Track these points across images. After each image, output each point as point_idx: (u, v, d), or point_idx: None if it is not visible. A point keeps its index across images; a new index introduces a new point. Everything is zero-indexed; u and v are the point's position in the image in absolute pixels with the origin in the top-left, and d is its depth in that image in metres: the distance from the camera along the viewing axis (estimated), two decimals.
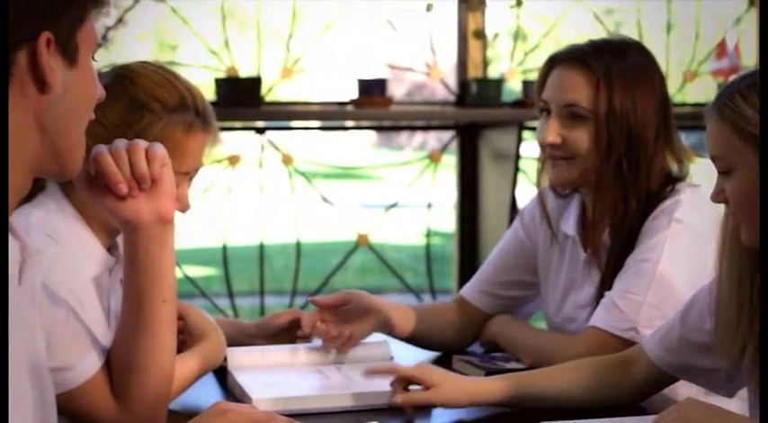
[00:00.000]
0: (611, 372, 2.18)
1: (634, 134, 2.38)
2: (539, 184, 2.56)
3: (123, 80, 2.19)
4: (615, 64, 2.39)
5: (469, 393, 2.15)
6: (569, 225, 2.53)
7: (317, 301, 2.56)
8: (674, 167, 2.44)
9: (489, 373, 2.35)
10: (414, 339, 2.64)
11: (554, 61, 2.46)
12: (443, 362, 2.54)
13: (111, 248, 2.28)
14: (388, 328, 2.59)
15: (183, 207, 2.26)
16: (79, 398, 1.96)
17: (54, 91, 1.47)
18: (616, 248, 2.40)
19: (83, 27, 1.52)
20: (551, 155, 2.44)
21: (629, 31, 5.14)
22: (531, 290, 2.65)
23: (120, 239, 2.34)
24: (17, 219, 1.63)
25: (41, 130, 1.49)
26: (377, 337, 2.55)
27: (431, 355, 2.63)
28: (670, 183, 2.42)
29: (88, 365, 1.98)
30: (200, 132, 2.22)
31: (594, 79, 2.38)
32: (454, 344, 2.65)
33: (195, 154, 2.23)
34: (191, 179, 2.28)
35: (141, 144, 1.82)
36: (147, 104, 2.17)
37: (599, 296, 2.40)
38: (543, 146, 2.44)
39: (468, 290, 2.69)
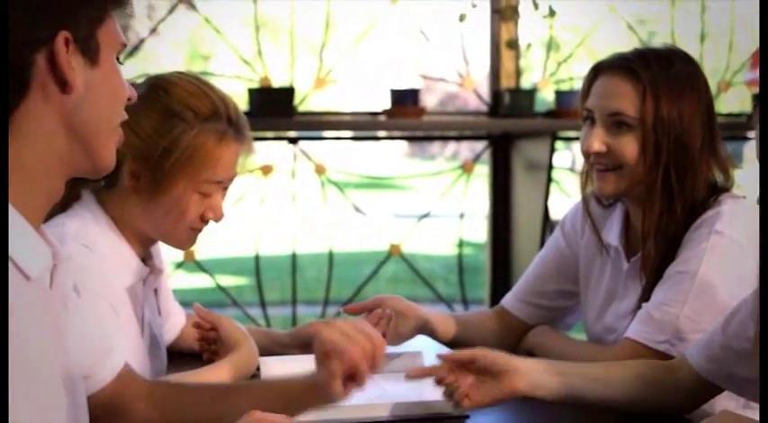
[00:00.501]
0: (656, 373, 2.17)
1: (681, 143, 2.36)
2: (583, 192, 2.54)
3: (158, 90, 2.19)
4: (661, 72, 2.37)
5: (533, 383, 2.10)
6: (612, 235, 2.52)
7: (349, 310, 2.57)
8: (719, 177, 2.42)
9: None
10: (456, 345, 2.63)
11: (599, 69, 2.43)
12: None
13: (145, 258, 2.29)
14: (430, 331, 2.59)
15: (217, 217, 2.26)
16: (102, 404, 1.95)
17: (76, 90, 1.46)
18: (657, 258, 2.38)
19: (103, 26, 1.51)
20: (597, 164, 2.42)
21: (663, 41, 5.13)
22: (571, 299, 2.64)
23: (154, 249, 2.35)
24: (52, 228, 1.63)
25: (69, 131, 1.48)
26: (411, 347, 2.54)
27: None
28: (714, 193, 2.40)
29: (111, 369, 1.97)
30: (233, 142, 2.23)
31: (641, 87, 2.36)
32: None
33: (228, 163, 2.23)
34: (225, 189, 2.29)
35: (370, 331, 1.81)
36: (179, 113, 2.18)
37: (639, 306, 2.39)
38: (588, 154, 2.42)
39: (509, 299, 2.69)
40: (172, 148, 2.17)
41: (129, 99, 1.57)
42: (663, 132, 2.35)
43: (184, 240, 2.28)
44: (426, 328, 2.59)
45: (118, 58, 1.56)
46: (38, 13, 1.43)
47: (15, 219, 1.44)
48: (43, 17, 1.44)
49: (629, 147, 2.37)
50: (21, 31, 1.42)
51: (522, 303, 2.65)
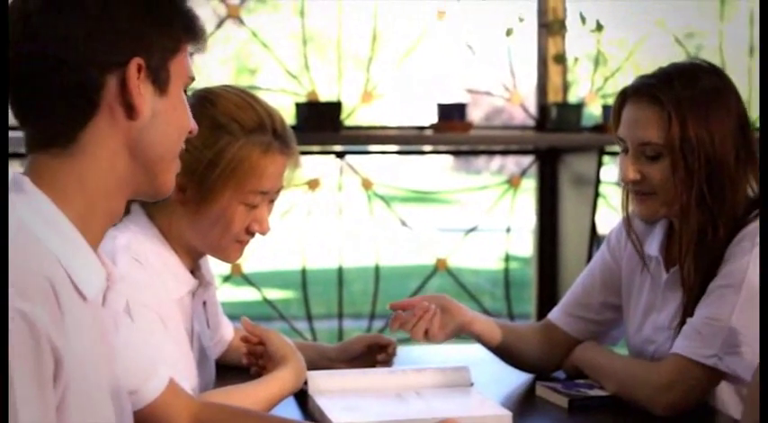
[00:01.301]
0: None
1: (714, 161, 2.34)
2: (625, 210, 2.54)
3: (205, 102, 2.21)
4: (685, 91, 2.35)
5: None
6: (653, 246, 2.51)
7: (395, 306, 2.57)
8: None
9: (572, 399, 2.34)
10: (502, 353, 2.63)
11: (625, 96, 2.44)
12: (527, 387, 2.54)
13: (193, 271, 2.30)
14: (475, 332, 2.59)
15: (263, 229, 2.27)
16: (146, 420, 1.96)
17: (142, 117, 1.49)
18: (700, 274, 2.37)
19: (176, 58, 1.54)
20: (634, 190, 2.43)
21: (711, 55, 5.10)
22: (617, 313, 2.63)
23: (203, 262, 2.37)
24: (103, 242, 1.65)
25: (132, 155, 1.51)
26: (458, 362, 2.54)
27: (514, 380, 2.61)
28: (756, 206, 2.38)
29: (157, 385, 1.98)
30: (278, 154, 2.24)
31: (665, 113, 2.35)
32: (542, 365, 2.64)
33: (273, 175, 2.24)
34: (271, 201, 2.29)
35: None
36: (225, 125, 2.19)
37: (681, 321, 2.38)
38: (625, 182, 2.43)
39: (556, 314, 2.68)
40: (217, 159, 2.18)
41: (190, 132, 1.60)
42: (692, 155, 2.34)
43: (230, 253, 2.29)
44: (471, 329, 2.59)
45: (185, 90, 1.58)
46: (116, 36, 1.46)
47: (78, 242, 1.47)
48: (121, 41, 1.47)
49: (661, 174, 2.37)
50: (97, 51, 1.45)
51: (569, 317, 2.65)
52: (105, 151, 1.49)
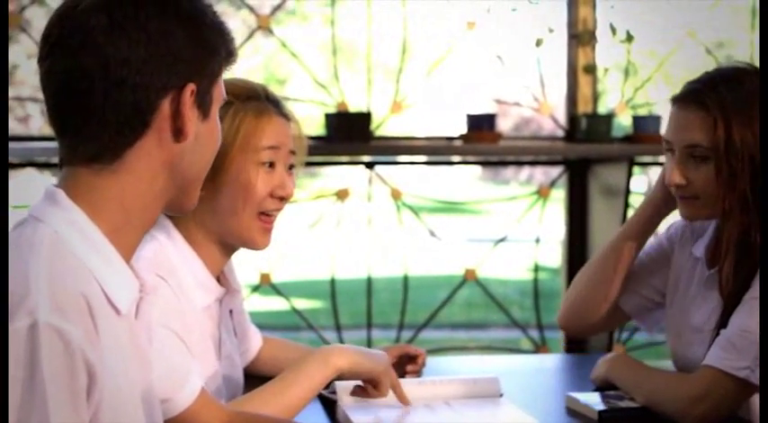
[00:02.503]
0: None
1: (758, 164, 2.35)
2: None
3: None
4: (729, 95, 2.37)
5: None
6: (700, 248, 2.52)
7: None
8: None
9: (602, 411, 2.34)
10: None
11: (673, 101, 2.45)
12: (557, 398, 2.53)
13: (219, 278, 2.30)
14: None
15: (287, 193, 2.26)
16: None
17: (187, 141, 1.51)
18: (738, 278, 2.37)
19: (217, 81, 1.57)
20: (679, 194, 2.44)
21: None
22: (663, 299, 2.64)
23: (228, 270, 2.37)
24: None
25: (170, 174, 1.53)
26: (487, 372, 2.53)
27: (543, 391, 2.60)
28: None
29: (188, 394, 1.98)
30: (275, 115, 2.26)
31: (711, 117, 2.36)
32: (584, 328, 2.79)
33: (275, 131, 2.26)
34: (291, 168, 2.29)
35: None
36: None
37: (715, 326, 2.37)
38: (669, 186, 2.45)
39: None
40: None
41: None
42: (736, 158, 2.34)
43: (256, 234, 2.27)
44: None
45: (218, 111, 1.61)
46: (174, 60, 1.48)
47: (112, 256, 1.49)
48: (178, 65, 1.49)
49: (707, 177, 2.38)
50: (155, 74, 1.47)
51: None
52: (147, 170, 1.51)
